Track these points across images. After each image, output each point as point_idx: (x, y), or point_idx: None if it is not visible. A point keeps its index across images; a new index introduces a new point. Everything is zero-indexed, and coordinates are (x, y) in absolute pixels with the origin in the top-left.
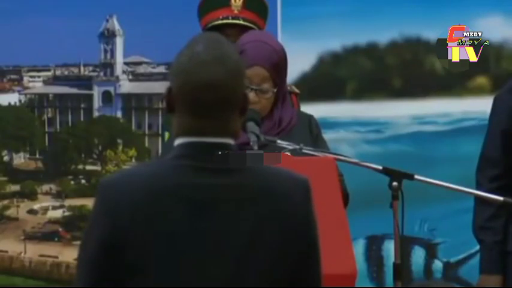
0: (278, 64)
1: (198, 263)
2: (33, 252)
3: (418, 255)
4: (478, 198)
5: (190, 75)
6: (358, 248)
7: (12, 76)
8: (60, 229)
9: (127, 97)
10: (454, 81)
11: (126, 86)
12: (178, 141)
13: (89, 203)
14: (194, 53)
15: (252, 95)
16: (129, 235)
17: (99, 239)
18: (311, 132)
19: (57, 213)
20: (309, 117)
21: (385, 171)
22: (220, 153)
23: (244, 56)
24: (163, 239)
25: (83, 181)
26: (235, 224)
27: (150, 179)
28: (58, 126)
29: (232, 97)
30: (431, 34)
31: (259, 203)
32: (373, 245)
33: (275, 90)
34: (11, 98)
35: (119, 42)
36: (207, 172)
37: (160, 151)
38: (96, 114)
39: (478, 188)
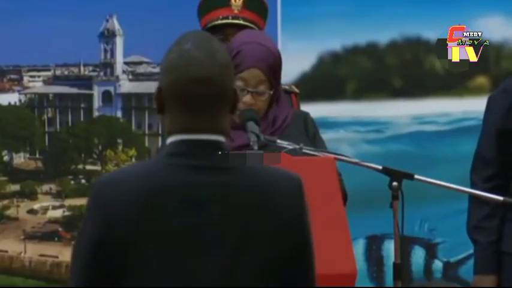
0: (274, 66)
1: (190, 262)
2: (33, 252)
3: (418, 255)
4: (472, 198)
5: (182, 71)
6: (358, 247)
7: (12, 76)
8: (60, 229)
9: (127, 97)
10: (454, 81)
11: (126, 86)
12: (170, 139)
13: None
14: (184, 50)
15: (248, 97)
16: (122, 234)
17: (91, 237)
18: (307, 131)
19: (57, 213)
20: (305, 116)
21: (385, 171)
22: (220, 153)
23: (241, 57)
24: (156, 238)
25: (83, 181)
26: (227, 222)
27: (143, 178)
28: (58, 126)
29: (223, 93)
30: (431, 34)
31: (251, 202)
32: (373, 245)
33: (271, 92)
34: (11, 98)
35: (119, 42)
36: (199, 170)
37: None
38: (96, 114)
39: (472, 188)
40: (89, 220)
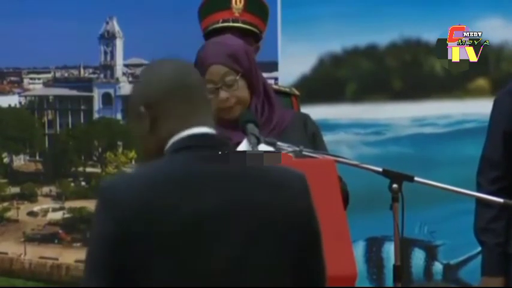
0: (233, 55)
1: (202, 256)
2: (33, 254)
3: (418, 257)
4: (479, 200)
5: (182, 76)
6: (358, 249)
7: (12, 78)
8: (60, 231)
9: (127, 99)
10: (454, 83)
11: (126, 88)
12: (172, 140)
13: (88, 205)
14: (170, 62)
15: (222, 93)
16: (134, 233)
17: (104, 240)
18: (306, 133)
19: (57, 215)
20: (305, 118)
21: (385, 173)
22: (220, 152)
23: (200, 62)
24: (168, 233)
25: (83, 183)
26: (238, 213)
27: (152, 175)
28: (58, 128)
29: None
30: (431, 36)
31: (260, 192)
32: (373, 247)
33: (237, 77)
34: (11, 100)
35: (119, 44)
36: (210, 161)
37: None
38: (96, 116)
39: (478, 190)
40: (99, 223)
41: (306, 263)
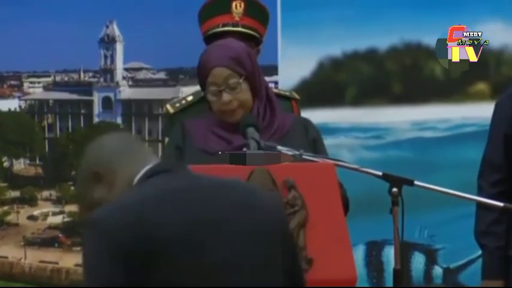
0: (237, 58)
1: (197, 263)
2: (33, 258)
3: (418, 261)
4: (480, 203)
5: (122, 137)
6: (358, 253)
7: (12, 82)
8: (60, 235)
9: (127, 103)
10: (454, 86)
11: (126, 92)
12: (137, 177)
13: None
14: (108, 135)
15: (225, 96)
16: (131, 253)
17: (102, 268)
18: (307, 137)
19: (57, 219)
20: (306, 122)
21: (385, 177)
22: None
23: (202, 66)
24: (163, 247)
25: None
26: (224, 221)
27: (134, 198)
28: (58, 132)
29: None
30: (431, 39)
31: (242, 200)
32: (373, 251)
33: (240, 80)
34: (11, 104)
35: (119, 48)
36: (180, 179)
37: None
38: (96, 120)
39: (479, 193)
40: (93, 254)
41: (290, 272)
